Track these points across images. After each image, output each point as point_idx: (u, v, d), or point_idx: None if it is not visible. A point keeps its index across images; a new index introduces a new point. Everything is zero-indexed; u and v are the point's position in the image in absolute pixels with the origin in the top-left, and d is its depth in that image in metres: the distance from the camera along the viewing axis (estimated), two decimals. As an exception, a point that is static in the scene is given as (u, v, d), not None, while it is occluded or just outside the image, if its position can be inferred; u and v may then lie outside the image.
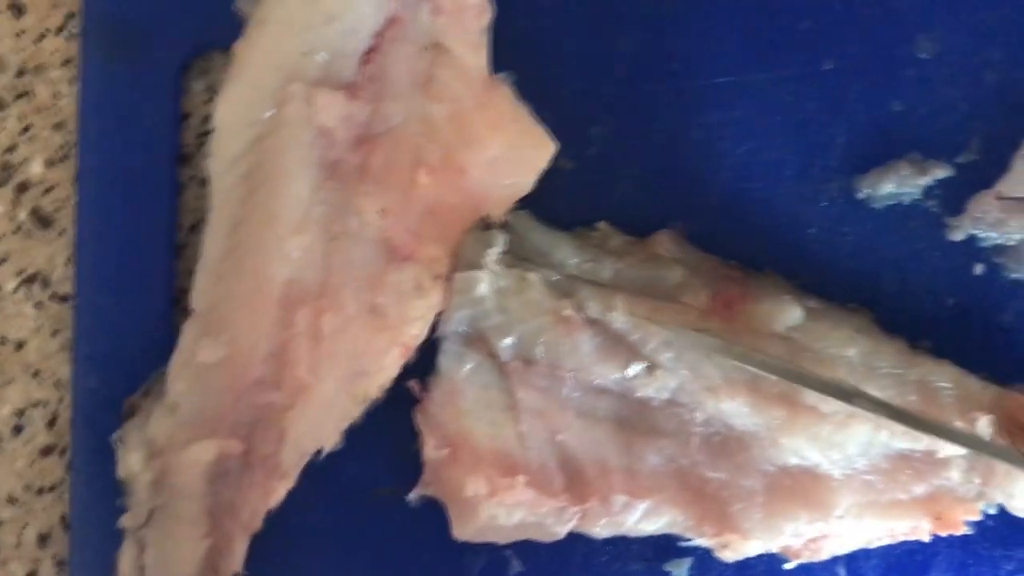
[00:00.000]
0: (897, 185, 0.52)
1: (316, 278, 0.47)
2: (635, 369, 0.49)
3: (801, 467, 0.51)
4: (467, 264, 0.49)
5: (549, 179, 0.50)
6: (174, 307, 0.51)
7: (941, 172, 0.52)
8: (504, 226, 0.50)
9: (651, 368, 0.49)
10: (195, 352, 0.47)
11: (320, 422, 0.48)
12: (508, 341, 0.49)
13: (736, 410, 0.50)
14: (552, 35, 0.51)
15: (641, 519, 0.50)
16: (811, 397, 0.50)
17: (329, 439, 0.48)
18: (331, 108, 0.46)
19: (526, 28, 0.51)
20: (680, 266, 0.50)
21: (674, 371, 0.49)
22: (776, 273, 0.52)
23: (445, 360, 0.50)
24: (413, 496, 0.50)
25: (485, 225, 0.50)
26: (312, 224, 0.47)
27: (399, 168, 0.48)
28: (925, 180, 0.52)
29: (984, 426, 0.51)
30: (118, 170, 0.50)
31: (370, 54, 0.48)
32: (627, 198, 0.52)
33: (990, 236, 0.52)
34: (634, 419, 0.50)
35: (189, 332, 0.47)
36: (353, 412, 0.48)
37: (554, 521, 0.50)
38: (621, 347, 0.50)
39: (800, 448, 0.50)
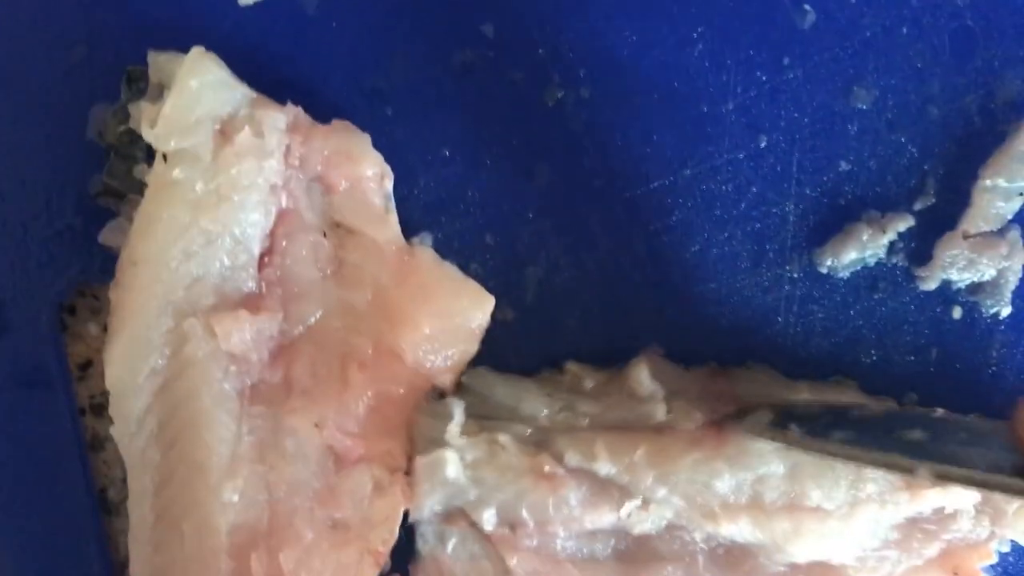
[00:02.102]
0: (860, 249, 0.49)
1: (262, 515, 0.42)
2: (629, 509, 0.46)
3: (813, 560, 0.48)
4: (427, 443, 0.45)
5: (493, 332, 0.46)
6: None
7: (902, 224, 0.48)
8: (459, 388, 0.45)
9: (644, 504, 0.46)
10: (150, 632, 0.42)
11: (305, 659, 0.43)
12: (490, 512, 0.45)
13: (738, 530, 0.46)
14: (465, 179, 0.46)
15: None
16: (815, 497, 0.46)
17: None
18: (236, 331, 0.41)
19: (434, 181, 0.46)
20: (663, 400, 0.46)
21: (668, 503, 0.46)
22: (762, 364, 0.48)
23: (424, 543, 0.46)
24: None
25: (439, 394, 0.45)
26: (244, 461, 0.42)
27: (327, 371, 0.43)
28: (887, 236, 0.49)
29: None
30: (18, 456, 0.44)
31: (266, 256, 0.42)
32: (581, 331, 0.47)
33: (963, 277, 0.49)
34: (634, 550, 0.47)
35: (138, 612, 0.42)
36: (338, 638, 0.44)
37: None
38: (610, 489, 0.46)
39: (809, 550, 0.47)
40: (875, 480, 0.48)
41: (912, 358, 0.50)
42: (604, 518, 0.46)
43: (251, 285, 0.42)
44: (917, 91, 0.48)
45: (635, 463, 0.44)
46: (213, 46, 0.41)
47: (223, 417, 0.41)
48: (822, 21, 0.47)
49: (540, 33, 0.45)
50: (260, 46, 0.43)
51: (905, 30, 0.48)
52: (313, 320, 0.43)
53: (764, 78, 0.47)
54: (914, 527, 0.49)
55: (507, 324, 0.47)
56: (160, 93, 0.40)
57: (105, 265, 0.43)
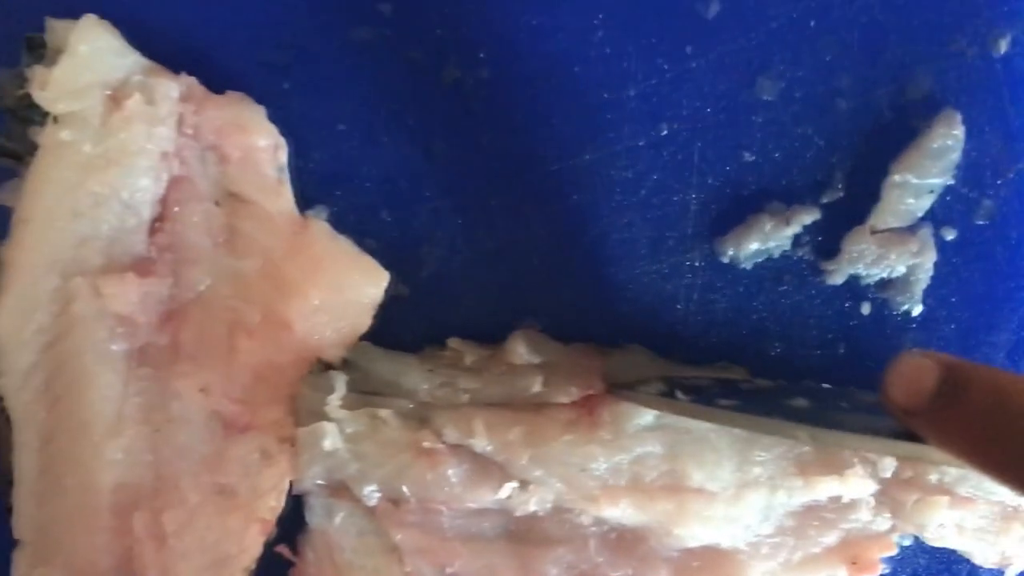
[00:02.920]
0: (762, 240, 0.49)
1: (147, 476, 0.43)
2: (508, 490, 0.46)
3: (705, 546, 0.48)
4: (309, 414, 0.45)
5: (388, 308, 0.47)
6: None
7: (807, 217, 0.48)
8: (344, 363, 0.46)
9: (524, 485, 0.46)
10: (30, 584, 0.43)
11: (186, 622, 0.44)
12: (371, 487, 0.46)
13: (621, 513, 0.46)
14: (361, 155, 0.47)
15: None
16: (698, 479, 0.46)
17: (200, 637, 0.44)
18: (123, 293, 0.42)
19: (330, 156, 0.46)
20: (538, 370, 0.46)
21: (548, 485, 0.46)
22: (639, 345, 0.48)
23: (312, 515, 0.47)
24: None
25: (324, 367, 0.46)
26: (129, 421, 0.43)
27: (215, 337, 0.44)
28: (792, 229, 0.49)
29: (886, 462, 0.48)
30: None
31: (158, 222, 0.43)
32: (476, 310, 0.48)
33: (872, 273, 0.49)
34: (524, 531, 0.48)
35: (19, 564, 0.43)
36: (220, 603, 0.44)
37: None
38: (490, 469, 0.46)
39: (696, 534, 0.47)
40: (763, 464, 0.47)
41: (819, 352, 0.50)
42: (485, 497, 0.46)
43: (141, 249, 0.43)
44: (825, 84, 0.48)
45: (511, 442, 0.45)
46: (112, 15, 0.43)
47: (108, 376, 0.42)
48: (727, 11, 0.47)
49: (438, 13, 0.46)
50: (158, 16, 0.44)
51: (813, 23, 0.48)
52: (203, 287, 0.44)
53: (666, 67, 0.47)
54: (811, 515, 0.49)
55: (400, 300, 0.48)
56: (57, 59, 0.41)
57: (2, 225, 0.44)
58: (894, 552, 0.48)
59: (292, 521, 0.47)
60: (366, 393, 0.45)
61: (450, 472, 0.45)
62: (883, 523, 0.48)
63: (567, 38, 0.47)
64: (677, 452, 0.46)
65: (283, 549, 0.47)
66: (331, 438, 0.44)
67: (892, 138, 0.48)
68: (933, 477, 0.47)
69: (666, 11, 0.47)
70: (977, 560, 0.48)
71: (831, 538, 0.48)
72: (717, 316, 0.49)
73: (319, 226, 0.45)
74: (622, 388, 0.46)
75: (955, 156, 0.48)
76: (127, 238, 0.43)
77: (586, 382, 0.46)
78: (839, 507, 0.48)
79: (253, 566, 0.45)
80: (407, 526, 0.46)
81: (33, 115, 0.42)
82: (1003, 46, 0.48)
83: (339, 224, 0.46)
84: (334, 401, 0.44)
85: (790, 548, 0.48)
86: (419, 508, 0.46)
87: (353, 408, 0.45)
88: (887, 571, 0.49)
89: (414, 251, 0.47)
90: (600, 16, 0.47)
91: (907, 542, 0.50)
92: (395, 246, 0.47)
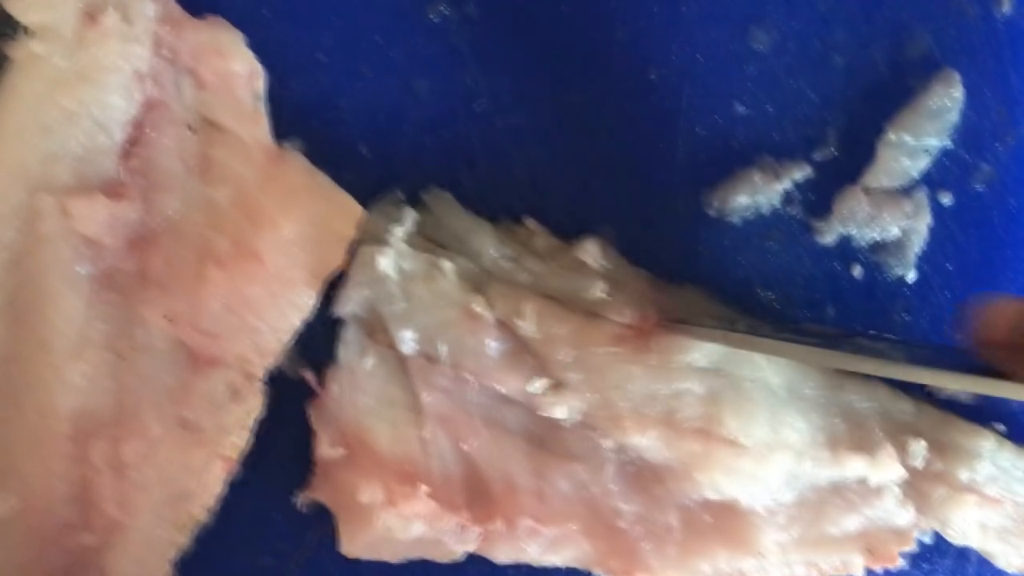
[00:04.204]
0: (751, 195, 0.47)
1: (108, 403, 0.42)
2: (538, 384, 0.45)
3: (721, 502, 0.46)
4: (371, 238, 0.44)
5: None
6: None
7: (799, 173, 0.47)
8: (420, 204, 0.45)
9: (556, 386, 0.45)
10: (-16, 508, 0.42)
11: (143, 557, 0.43)
12: (409, 332, 0.44)
13: (647, 444, 0.45)
14: (341, 88, 0.46)
15: (546, 549, 0.46)
16: (731, 428, 0.45)
17: (158, 572, 0.43)
18: (91, 214, 0.41)
19: (309, 87, 0.45)
20: (603, 279, 0.45)
21: (580, 393, 0.44)
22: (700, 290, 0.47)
23: (345, 351, 0.45)
24: (301, 501, 0.46)
25: (399, 200, 0.45)
26: (92, 346, 0.42)
27: (184, 266, 0.43)
28: (782, 184, 0.47)
29: (917, 451, 0.46)
30: None
31: (132, 145, 0.42)
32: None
33: (864, 234, 0.48)
34: (546, 437, 0.46)
35: (-28, 487, 0.42)
36: (179, 539, 0.43)
37: (454, 539, 0.45)
38: (528, 358, 0.45)
39: (717, 483, 0.45)
40: (796, 429, 0.46)
41: (806, 312, 0.48)
42: (515, 383, 0.45)
43: (112, 171, 0.42)
44: (820, 37, 0.47)
45: (556, 336, 0.44)
46: (92, -66, 0.42)
47: (72, 298, 0.41)
48: (721, -43, 0.46)
49: (426, -53, 0.45)
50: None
51: (810, -28, 0.47)
52: (174, 213, 0.43)
53: (655, 9, 0.46)
54: (835, 493, 0.47)
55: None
56: (31, -29, 0.41)
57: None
58: (912, 547, 0.47)
59: (324, 351, 0.45)
60: (433, 242, 0.45)
61: (490, 344, 0.44)
62: (906, 517, 0.47)
63: (556, -23, 0.46)
64: (716, 397, 0.44)
65: (309, 375, 0.45)
66: (387, 262, 0.43)
67: (888, 96, 0.47)
68: (963, 475, 0.46)
69: (658, -48, 0.46)
70: (999, 563, 0.47)
71: (851, 522, 0.46)
72: (701, 270, 0.47)
73: (295, 157, 0.44)
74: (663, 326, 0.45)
75: (953, 117, 0.47)
76: (98, 158, 0.42)
77: (641, 310, 0.45)
78: (864, 491, 0.46)
79: (212, 503, 0.44)
80: (435, 389, 0.45)
81: (4, 27, 0.42)
82: (1006, 6, 0.47)
83: (316, 156, 0.45)
84: (399, 232, 0.43)
85: (807, 522, 0.46)
86: (450, 374, 0.45)
87: (416, 249, 0.44)
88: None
89: (391, 187, 0.46)
90: (590, -45, 0.46)
91: (926, 539, 0.48)
92: (372, 182, 0.46)
